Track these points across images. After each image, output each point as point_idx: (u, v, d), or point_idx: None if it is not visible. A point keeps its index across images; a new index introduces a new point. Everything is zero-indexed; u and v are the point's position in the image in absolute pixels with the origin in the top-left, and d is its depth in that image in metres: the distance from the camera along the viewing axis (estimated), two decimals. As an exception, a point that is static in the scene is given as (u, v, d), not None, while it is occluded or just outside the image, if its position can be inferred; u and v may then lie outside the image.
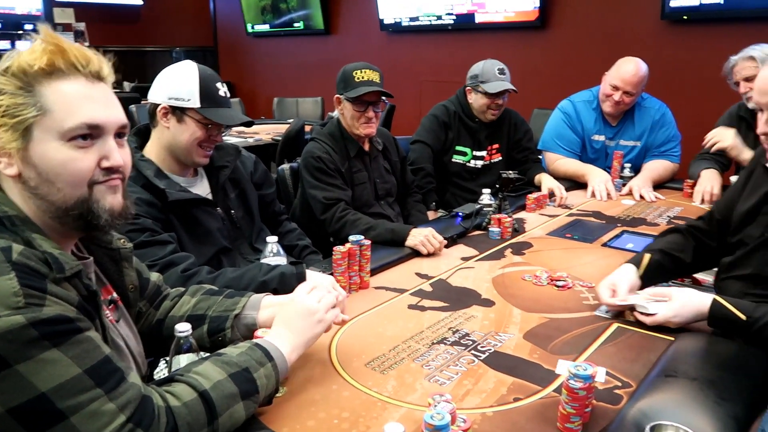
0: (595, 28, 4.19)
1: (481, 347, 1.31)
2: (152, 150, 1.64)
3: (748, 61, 2.45)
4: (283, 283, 1.44)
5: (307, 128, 4.50)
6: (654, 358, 1.24)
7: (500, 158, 2.82)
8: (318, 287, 1.20)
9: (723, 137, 2.52)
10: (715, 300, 1.30)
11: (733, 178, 2.46)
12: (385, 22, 5.47)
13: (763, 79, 1.33)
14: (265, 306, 1.22)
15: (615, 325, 1.42)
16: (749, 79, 2.43)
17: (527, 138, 2.86)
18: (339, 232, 2.04)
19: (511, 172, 2.15)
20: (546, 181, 2.59)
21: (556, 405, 1.07)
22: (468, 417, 0.99)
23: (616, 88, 2.71)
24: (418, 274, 1.74)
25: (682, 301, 1.36)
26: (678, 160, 2.81)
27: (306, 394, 1.11)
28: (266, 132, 4.59)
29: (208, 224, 1.67)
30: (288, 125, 4.20)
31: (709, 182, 2.50)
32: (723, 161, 2.65)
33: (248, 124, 1.72)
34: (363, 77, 2.13)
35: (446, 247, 1.95)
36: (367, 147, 2.27)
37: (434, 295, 1.60)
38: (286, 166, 2.40)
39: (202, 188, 1.72)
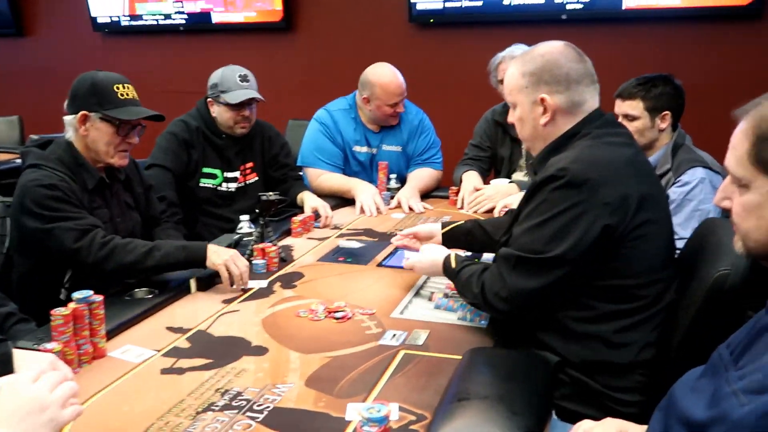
0: (344, 31, 4.43)
1: (258, 406, 1.26)
2: None
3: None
4: None
5: (2, 156, 3.96)
6: (444, 382, 1.32)
7: (256, 178, 2.80)
8: (47, 372, 1.02)
9: (491, 199, 2.68)
10: (448, 254, 1.73)
11: (495, 181, 2.81)
12: (99, 21, 5.09)
13: (509, 77, 1.62)
14: None
15: (401, 353, 1.48)
16: None
17: (284, 153, 2.88)
18: (106, 261, 1.79)
19: (271, 193, 2.14)
20: (309, 200, 2.63)
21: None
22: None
23: (395, 104, 2.88)
24: (170, 329, 1.62)
25: (427, 253, 1.81)
26: (441, 166, 3.09)
27: None
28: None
29: None
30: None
31: (469, 185, 2.79)
32: (484, 166, 2.99)
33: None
34: (127, 94, 1.96)
35: (201, 289, 1.86)
36: (107, 178, 2.05)
37: (193, 351, 1.50)
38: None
39: None
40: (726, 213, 2.22)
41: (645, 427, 1.20)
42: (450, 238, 2.00)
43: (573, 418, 1.32)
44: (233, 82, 2.60)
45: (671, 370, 1.38)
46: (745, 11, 3.39)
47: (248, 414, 1.23)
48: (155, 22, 4.96)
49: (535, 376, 1.34)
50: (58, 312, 1.38)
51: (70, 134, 1.97)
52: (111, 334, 1.54)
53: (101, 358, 1.46)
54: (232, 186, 2.73)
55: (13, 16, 5.44)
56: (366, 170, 3.04)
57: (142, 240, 1.90)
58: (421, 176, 2.98)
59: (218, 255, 1.83)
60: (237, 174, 2.73)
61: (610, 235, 1.40)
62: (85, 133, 1.94)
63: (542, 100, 1.55)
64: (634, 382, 1.46)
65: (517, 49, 2.82)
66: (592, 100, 1.56)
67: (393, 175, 2.98)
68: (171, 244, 1.87)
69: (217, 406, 1.26)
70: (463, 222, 2.03)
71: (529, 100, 1.57)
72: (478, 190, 2.76)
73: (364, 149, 3.01)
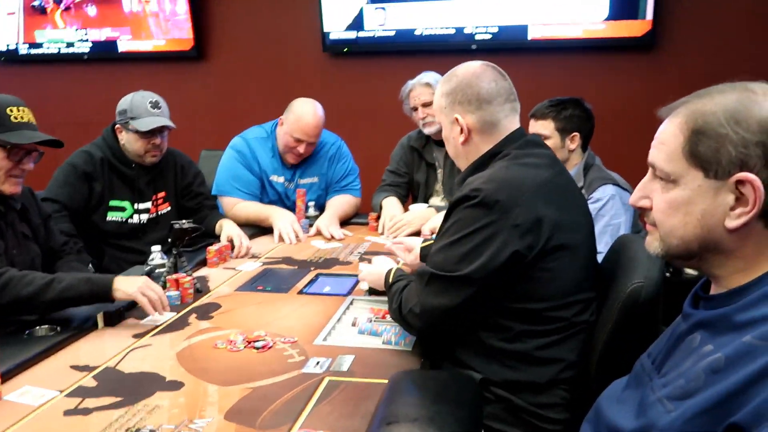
0: (257, 60, 4.38)
1: (174, 444, 1.17)
2: None
3: (425, 87, 2.82)
4: None
5: None
6: (372, 406, 1.28)
7: (169, 208, 2.68)
8: None
9: (410, 224, 2.65)
10: (391, 268, 1.75)
11: (414, 206, 2.81)
12: (-4, 49, 4.84)
13: (435, 97, 1.69)
14: None
15: (326, 380, 1.42)
16: (426, 105, 2.80)
17: (198, 182, 2.78)
18: (1, 298, 1.64)
19: (184, 221, 2.04)
20: (226, 229, 2.54)
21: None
22: None
23: (299, 141, 2.82)
24: (74, 368, 1.50)
25: (376, 265, 1.88)
26: (359, 193, 3.07)
27: None
28: None
29: None
30: None
31: (389, 211, 2.79)
32: (402, 192, 3.00)
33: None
34: (21, 117, 1.82)
35: (109, 324, 1.74)
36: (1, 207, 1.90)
37: (101, 390, 1.39)
38: None
39: None
40: (636, 227, 2.34)
41: None
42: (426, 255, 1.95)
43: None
44: (143, 109, 2.48)
45: (594, 384, 1.40)
46: (640, 42, 3.59)
47: (163, 453, 1.14)
48: (57, 51, 4.74)
49: (463, 396, 1.32)
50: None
51: None
52: (7, 376, 1.40)
53: (-5, 402, 1.33)
54: (144, 217, 2.60)
55: None
56: (283, 199, 2.98)
57: (41, 272, 1.76)
58: (340, 203, 2.95)
59: (130, 284, 1.71)
60: (149, 205, 2.61)
61: (520, 259, 1.40)
62: None
63: (456, 120, 1.58)
64: (558, 398, 1.47)
65: (426, 75, 2.87)
66: (506, 120, 1.58)
67: (311, 203, 2.93)
68: (74, 276, 1.73)
69: (128, 447, 1.16)
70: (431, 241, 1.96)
71: (448, 119, 1.61)
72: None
73: (281, 179, 2.96)
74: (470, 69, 1.60)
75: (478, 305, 1.45)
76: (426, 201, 2.98)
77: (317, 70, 4.26)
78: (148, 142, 2.50)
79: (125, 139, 2.53)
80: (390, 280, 1.69)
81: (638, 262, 1.44)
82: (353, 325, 1.76)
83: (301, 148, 2.83)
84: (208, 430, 1.22)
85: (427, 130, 2.89)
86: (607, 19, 3.60)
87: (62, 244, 2.16)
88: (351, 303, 1.91)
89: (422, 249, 1.93)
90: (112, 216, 2.54)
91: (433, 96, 2.81)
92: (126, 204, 2.56)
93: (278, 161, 2.95)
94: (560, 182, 1.54)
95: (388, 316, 1.77)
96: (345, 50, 4.18)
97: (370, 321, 1.76)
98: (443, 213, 2.56)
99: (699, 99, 0.93)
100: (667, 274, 1.64)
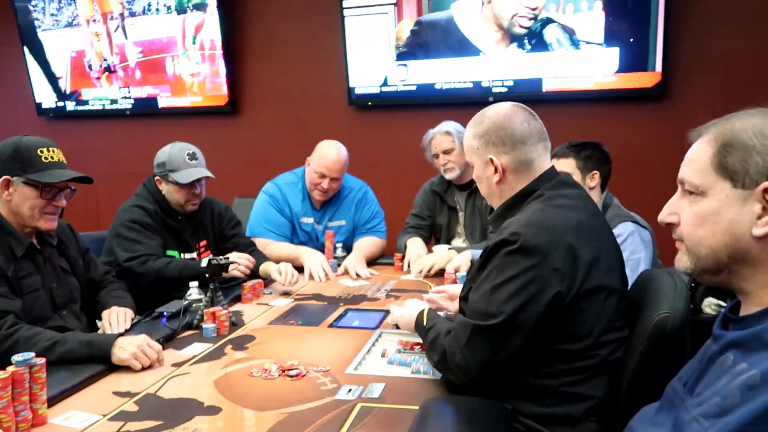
0: (287, 114, 4.46)
1: (213, 465, 1.14)
2: None
3: (445, 136, 2.86)
4: None
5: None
6: (404, 431, 1.24)
7: (211, 255, 2.68)
8: None
9: (437, 261, 2.62)
10: (423, 309, 1.69)
11: (437, 248, 2.80)
12: (44, 106, 4.99)
13: (465, 139, 1.64)
14: None
15: (358, 406, 1.39)
16: (447, 152, 2.84)
17: (233, 225, 2.78)
18: (7, 354, 1.62)
19: (221, 257, 2.05)
20: (272, 266, 2.51)
21: None
22: None
23: (323, 176, 2.85)
24: (116, 394, 1.48)
25: (408, 307, 1.81)
26: (384, 235, 3.07)
27: None
28: None
29: None
30: None
31: (414, 250, 2.78)
32: (425, 234, 3.00)
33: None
34: (52, 158, 1.85)
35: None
36: (36, 243, 1.92)
37: (143, 414, 1.37)
38: None
39: None
40: (656, 264, 2.29)
41: None
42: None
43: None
44: (181, 161, 2.49)
45: (623, 414, 1.35)
46: (650, 93, 3.61)
47: (203, 473, 1.11)
48: (101, 107, 4.88)
49: (494, 423, 1.28)
50: (-4, 375, 1.24)
51: None
52: (52, 401, 1.39)
53: (41, 425, 1.32)
54: None
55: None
56: (312, 241, 2.98)
57: (49, 332, 1.71)
58: (367, 245, 2.95)
59: (124, 350, 1.62)
60: (194, 255, 2.61)
61: (560, 301, 1.35)
62: (8, 198, 1.83)
63: (491, 160, 1.55)
64: (589, 430, 1.41)
65: (446, 125, 2.91)
66: (540, 159, 1.55)
67: (339, 244, 2.93)
68: (76, 339, 1.67)
69: (168, 467, 1.14)
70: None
71: (481, 160, 1.57)
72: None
73: (311, 220, 2.97)
74: (501, 110, 1.57)
75: (523, 350, 1.39)
76: (448, 242, 2.97)
77: (343, 122, 4.32)
78: (188, 192, 2.50)
79: (165, 190, 2.53)
80: (425, 324, 1.62)
81: (663, 294, 1.40)
82: (382, 356, 1.72)
83: (325, 183, 2.85)
84: (246, 452, 1.19)
85: (448, 176, 2.91)
86: (618, 71, 3.62)
87: (104, 274, 2.17)
88: (380, 336, 1.88)
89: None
90: None
91: (453, 143, 2.85)
92: (175, 254, 2.55)
93: (308, 204, 2.97)
94: (594, 223, 1.49)
95: (416, 348, 1.75)
96: (369, 104, 4.24)
97: (399, 352, 1.73)
98: (466, 253, 2.58)
99: (727, 120, 0.94)
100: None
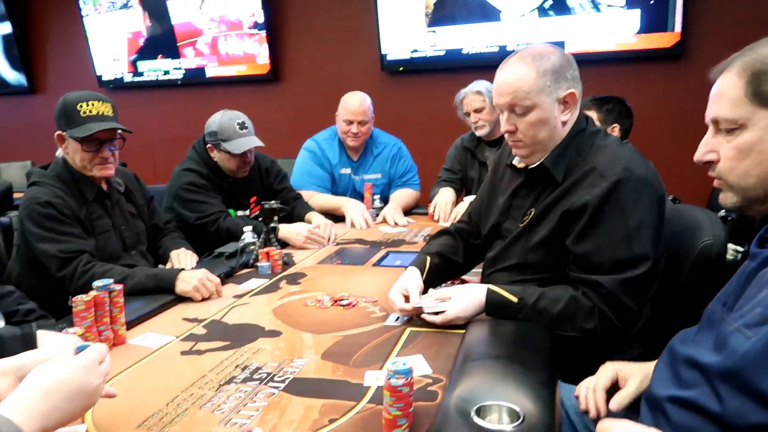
0: (323, 81, 4.40)
1: (278, 377, 1.13)
2: None
3: (476, 95, 2.77)
4: None
5: (17, 195, 3.78)
6: (453, 351, 1.22)
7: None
8: (93, 349, 0.87)
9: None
10: (489, 289, 1.36)
11: (468, 198, 2.75)
12: (104, 78, 4.99)
13: (498, 82, 1.41)
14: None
15: (408, 330, 1.37)
16: (478, 111, 2.75)
17: (280, 179, 2.72)
18: (84, 288, 1.64)
19: (273, 202, 2.03)
20: (315, 219, 2.49)
21: (376, 416, 0.96)
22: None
23: (350, 122, 2.81)
24: (186, 320, 1.48)
25: (464, 297, 1.37)
26: (418, 188, 3.02)
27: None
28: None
29: None
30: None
31: (442, 200, 2.74)
32: (457, 186, 2.94)
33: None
34: (90, 111, 1.78)
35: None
36: (105, 188, 1.92)
37: (210, 336, 1.37)
38: (-9, 221, 1.90)
39: None
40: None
41: (641, 364, 1.11)
42: (433, 276, 1.58)
43: (575, 380, 1.22)
44: (233, 131, 2.38)
45: (664, 338, 1.30)
46: (669, 52, 3.46)
47: (270, 384, 1.11)
48: (155, 78, 4.87)
49: (539, 342, 1.24)
50: (80, 298, 1.24)
51: (60, 152, 1.85)
52: (130, 325, 1.41)
53: (121, 344, 1.33)
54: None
55: (27, 76, 5.31)
56: (350, 192, 2.95)
57: (120, 267, 1.72)
58: (402, 196, 2.90)
59: (187, 282, 1.61)
60: (247, 212, 2.55)
61: None
62: (66, 151, 1.82)
63: (571, 95, 1.35)
64: (631, 356, 1.36)
65: (477, 84, 2.81)
66: None
67: (376, 196, 2.90)
68: (144, 273, 1.68)
69: (238, 379, 1.13)
70: (428, 261, 1.59)
71: (552, 98, 1.34)
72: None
73: (348, 170, 2.94)
74: (551, 47, 1.38)
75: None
76: (479, 194, 2.91)
77: (376, 86, 4.24)
78: (239, 160, 2.41)
79: (217, 157, 2.43)
80: (514, 300, 1.32)
81: (702, 224, 1.36)
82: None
83: (354, 128, 2.81)
84: (308, 367, 1.18)
85: (479, 133, 2.83)
86: (639, 32, 3.48)
87: (166, 223, 2.17)
88: (421, 273, 1.85)
89: (427, 276, 1.56)
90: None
91: (483, 102, 2.76)
92: (231, 212, 2.48)
93: (345, 156, 2.94)
94: None
95: (456, 283, 1.71)
96: (400, 69, 4.16)
97: (442, 286, 1.70)
98: None
99: (751, 51, 0.88)
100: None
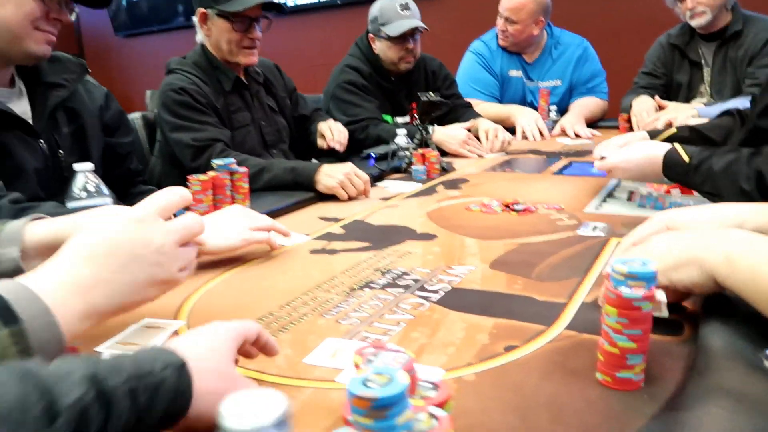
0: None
1: (430, 286, 0.81)
2: None
3: None
4: None
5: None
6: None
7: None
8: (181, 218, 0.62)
9: (676, 114, 1.97)
10: (673, 147, 1.12)
11: (673, 104, 2.16)
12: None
13: None
14: (34, 234, 0.66)
15: (613, 241, 0.97)
16: None
17: (447, 84, 2.33)
18: None
19: (431, 93, 1.68)
20: (482, 125, 2.06)
21: (582, 349, 0.59)
22: (440, 385, 0.47)
23: (504, 18, 2.36)
24: (323, 219, 1.22)
25: (636, 148, 1.18)
26: (606, 97, 2.48)
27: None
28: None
29: (23, 159, 1.08)
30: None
31: (641, 106, 2.16)
32: (656, 94, 2.34)
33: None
34: None
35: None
36: (244, 79, 1.71)
37: (348, 236, 1.08)
38: (137, 114, 1.79)
39: (18, 106, 1.12)
40: None
41: None
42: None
43: None
44: (393, 12, 2.07)
45: None
46: None
47: (418, 293, 0.79)
48: (316, 0, 4.70)
49: None
50: (196, 177, 1.02)
51: (200, 36, 1.65)
52: (258, 220, 1.17)
53: (244, 238, 1.09)
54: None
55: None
56: (523, 100, 2.50)
57: (256, 159, 1.50)
58: (586, 104, 2.39)
59: (332, 177, 1.35)
60: (407, 118, 2.23)
61: None
62: (208, 33, 1.62)
63: None
64: None
65: None
66: None
67: (553, 107, 2.42)
68: (281, 166, 1.44)
69: (376, 284, 0.83)
70: (675, 130, 1.33)
71: None
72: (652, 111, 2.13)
73: (519, 73, 2.48)
74: None
75: None
76: (687, 103, 2.30)
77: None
78: (401, 47, 2.10)
79: (379, 48, 2.15)
80: (687, 160, 1.07)
81: None
82: (628, 199, 1.27)
83: (503, 25, 2.41)
84: (472, 277, 0.84)
85: (695, 22, 2.18)
86: None
87: (314, 110, 1.94)
88: (619, 181, 1.41)
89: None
90: None
91: None
92: (388, 118, 2.21)
93: (516, 59, 2.48)
94: None
95: (673, 191, 1.25)
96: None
97: (651, 196, 1.25)
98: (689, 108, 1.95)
99: None
100: None
